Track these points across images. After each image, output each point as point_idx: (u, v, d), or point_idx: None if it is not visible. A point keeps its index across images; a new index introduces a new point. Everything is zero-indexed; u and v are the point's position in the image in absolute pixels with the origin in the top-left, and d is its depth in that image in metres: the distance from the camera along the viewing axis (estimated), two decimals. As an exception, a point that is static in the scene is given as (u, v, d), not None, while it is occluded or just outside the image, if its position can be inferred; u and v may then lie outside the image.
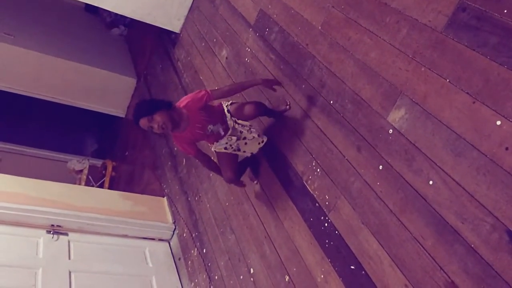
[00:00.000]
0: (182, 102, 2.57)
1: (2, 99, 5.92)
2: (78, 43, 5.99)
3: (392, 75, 2.09)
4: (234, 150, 2.74)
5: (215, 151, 2.76)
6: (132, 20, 6.07)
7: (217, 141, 2.69)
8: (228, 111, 2.70)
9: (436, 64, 1.89)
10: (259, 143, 2.78)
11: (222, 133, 2.65)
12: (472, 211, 1.63)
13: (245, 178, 3.04)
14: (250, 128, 2.73)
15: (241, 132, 2.70)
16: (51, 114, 6.52)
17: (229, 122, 2.67)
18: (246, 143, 2.73)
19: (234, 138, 2.68)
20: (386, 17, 2.20)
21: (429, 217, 1.77)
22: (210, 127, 2.61)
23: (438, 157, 1.79)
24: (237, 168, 2.83)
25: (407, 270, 1.81)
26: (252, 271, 2.80)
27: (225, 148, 2.70)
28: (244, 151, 2.77)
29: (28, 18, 5.85)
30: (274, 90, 2.83)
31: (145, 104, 2.48)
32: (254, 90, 3.20)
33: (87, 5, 6.69)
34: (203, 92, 2.58)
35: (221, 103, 2.76)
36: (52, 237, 3.41)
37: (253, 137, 2.72)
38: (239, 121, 2.71)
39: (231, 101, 2.79)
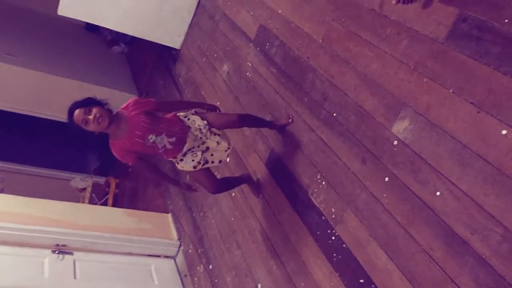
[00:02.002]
0: (124, 104, 2.46)
1: (5, 119, 5.93)
2: (79, 61, 6.02)
3: (395, 86, 2.09)
4: (204, 165, 2.59)
5: (183, 170, 2.62)
6: (132, 37, 6.13)
7: (180, 159, 2.54)
8: (207, 124, 2.55)
9: (439, 74, 1.89)
10: (226, 150, 2.65)
11: (170, 146, 2.45)
12: (481, 221, 1.62)
13: (249, 194, 3.03)
14: (220, 136, 2.60)
15: (203, 142, 2.54)
16: (53, 133, 6.53)
17: (196, 132, 2.50)
18: (212, 154, 2.61)
19: (199, 153, 2.54)
20: (387, 29, 2.21)
21: (438, 228, 1.76)
22: (152, 137, 2.39)
23: (445, 167, 1.78)
24: (215, 178, 2.76)
25: (417, 283, 1.80)
26: (259, 286, 2.78)
27: (194, 167, 2.56)
28: (213, 161, 2.64)
29: (30, 39, 5.89)
30: None
31: (84, 99, 2.35)
32: (256, 102, 3.21)
33: (87, 24, 6.78)
34: (148, 100, 2.48)
35: (176, 115, 2.58)
36: (58, 256, 3.39)
37: (217, 143, 2.57)
38: (213, 129, 2.58)
39: (194, 110, 2.65)
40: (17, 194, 3.85)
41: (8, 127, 6.28)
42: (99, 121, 2.25)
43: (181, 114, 2.60)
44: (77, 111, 2.28)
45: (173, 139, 2.46)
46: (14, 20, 6.38)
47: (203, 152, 2.56)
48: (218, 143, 2.59)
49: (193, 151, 2.54)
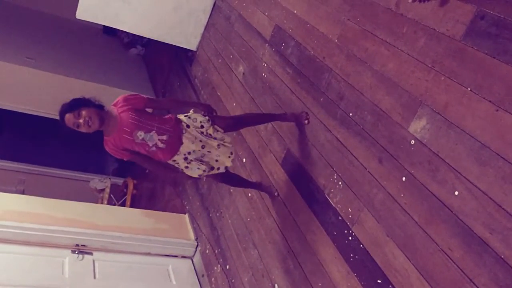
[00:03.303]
0: (115, 101, 2.45)
1: (26, 122, 6.05)
2: (97, 64, 6.10)
3: (412, 85, 2.08)
4: (209, 172, 2.58)
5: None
6: (149, 40, 6.18)
7: (185, 167, 2.52)
8: (209, 119, 2.54)
9: (456, 73, 1.87)
10: (229, 156, 2.61)
11: (162, 145, 2.41)
12: (500, 221, 1.59)
13: (266, 194, 3.03)
14: (223, 137, 2.58)
15: (203, 146, 2.50)
16: (72, 135, 6.63)
17: (194, 132, 2.48)
18: (217, 160, 2.58)
19: (203, 164, 2.52)
20: (403, 27, 2.19)
21: (456, 228, 1.74)
22: (140, 134, 2.38)
23: (463, 166, 1.76)
24: (223, 176, 2.74)
25: (435, 283, 1.78)
26: (276, 286, 2.78)
27: (200, 175, 2.55)
28: (219, 168, 2.61)
29: (48, 42, 6.00)
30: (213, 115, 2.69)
31: (72, 101, 2.35)
32: (272, 103, 3.21)
33: (105, 27, 6.85)
34: (137, 96, 2.45)
35: (173, 115, 2.55)
36: (77, 256, 3.45)
37: (218, 146, 2.53)
38: (216, 126, 2.56)
39: (192, 110, 2.65)
40: (38, 195, 3.92)
41: (29, 129, 6.41)
42: (89, 124, 2.28)
43: (181, 115, 2.57)
44: (67, 116, 2.30)
45: (164, 137, 2.42)
46: (34, 24, 6.49)
47: (207, 163, 2.55)
48: (219, 146, 2.55)
49: (197, 159, 2.51)
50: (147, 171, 5.70)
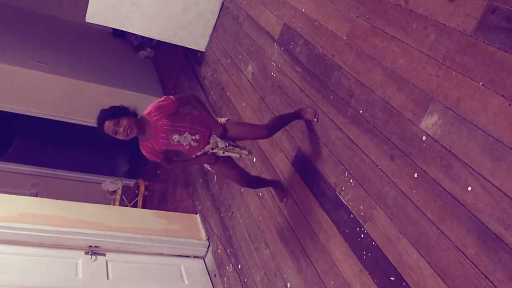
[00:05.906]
0: (147, 109, 2.53)
1: (38, 126, 6.12)
2: (107, 67, 6.15)
3: (422, 81, 2.06)
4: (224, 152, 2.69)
5: (209, 170, 2.77)
6: (158, 42, 6.22)
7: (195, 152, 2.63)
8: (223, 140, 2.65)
9: (468, 67, 1.86)
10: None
11: (195, 144, 2.57)
12: (515, 216, 1.58)
13: (273, 199, 3.03)
14: (240, 150, 2.69)
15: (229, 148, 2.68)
16: (84, 138, 6.69)
17: (212, 141, 2.62)
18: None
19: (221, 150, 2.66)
20: (413, 23, 2.18)
21: (470, 224, 1.72)
22: (176, 137, 2.51)
23: (476, 162, 1.75)
24: (244, 170, 2.88)
25: (450, 280, 1.76)
26: (289, 285, 2.78)
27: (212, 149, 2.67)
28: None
29: (59, 46, 6.05)
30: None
31: (111, 109, 2.43)
32: (282, 102, 3.21)
33: (114, 30, 6.91)
34: (168, 101, 2.51)
35: (199, 114, 2.66)
36: (91, 257, 3.47)
37: (240, 156, 2.71)
38: (230, 147, 2.66)
39: (227, 118, 2.72)
40: (51, 197, 3.96)
41: (42, 133, 6.48)
42: (128, 132, 2.38)
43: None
44: (107, 123, 2.38)
45: (197, 137, 2.57)
46: (44, 28, 6.57)
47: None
48: (240, 155, 2.71)
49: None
50: (158, 172, 5.74)
